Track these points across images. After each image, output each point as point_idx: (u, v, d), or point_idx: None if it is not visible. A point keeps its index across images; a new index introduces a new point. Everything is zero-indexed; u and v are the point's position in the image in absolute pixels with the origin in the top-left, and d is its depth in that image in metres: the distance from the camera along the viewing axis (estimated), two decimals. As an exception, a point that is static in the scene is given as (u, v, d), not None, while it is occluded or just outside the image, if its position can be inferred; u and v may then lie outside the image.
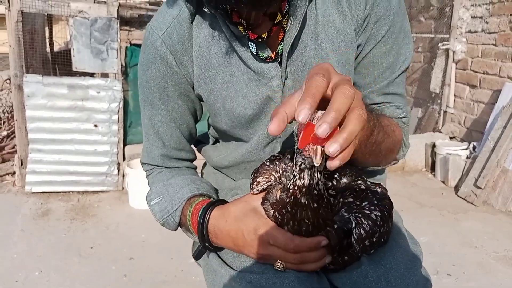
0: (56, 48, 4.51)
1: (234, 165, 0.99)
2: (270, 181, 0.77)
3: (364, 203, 0.72)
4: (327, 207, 0.69)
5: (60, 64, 3.62)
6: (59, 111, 3.30)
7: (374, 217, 0.70)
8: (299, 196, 0.66)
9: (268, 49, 0.82)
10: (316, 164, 0.56)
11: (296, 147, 0.64)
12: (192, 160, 1.05)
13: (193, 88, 0.92)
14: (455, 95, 4.52)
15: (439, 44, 4.52)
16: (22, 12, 3.07)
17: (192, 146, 1.06)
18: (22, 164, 3.43)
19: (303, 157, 0.62)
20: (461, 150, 3.98)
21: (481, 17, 4.19)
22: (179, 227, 0.91)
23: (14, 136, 4.55)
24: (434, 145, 4.25)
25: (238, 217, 0.76)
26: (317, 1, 0.80)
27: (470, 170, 3.73)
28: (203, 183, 0.95)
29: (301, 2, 0.76)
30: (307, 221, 0.68)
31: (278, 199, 0.73)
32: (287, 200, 0.69)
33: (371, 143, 0.75)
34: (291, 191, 0.67)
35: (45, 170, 3.40)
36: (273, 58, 0.82)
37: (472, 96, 4.30)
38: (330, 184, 0.76)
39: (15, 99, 3.27)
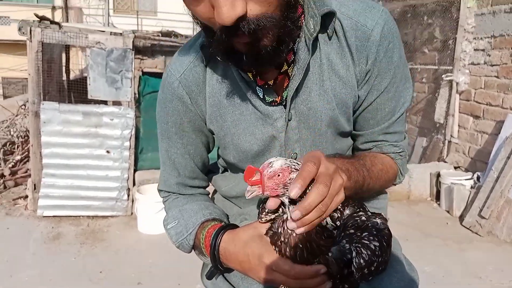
0: (71, 76, 4.68)
1: (241, 196, 1.07)
2: (277, 212, 0.84)
3: (364, 234, 0.79)
4: (320, 233, 0.77)
5: (75, 91, 3.77)
6: (73, 137, 3.42)
7: (373, 247, 0.77)
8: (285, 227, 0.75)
9: (275, 93, 0.91)
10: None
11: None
12: (205, 187, 1.14)
13: (205, 123, 1.01)
14: (459, 125, 4.59)
15: (443, 76, 4.63)
16: (42, 43, 3.23)
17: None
18: (35, 188, 3.52)
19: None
20: (465, 180, 4.03)
21: (483, 50, 4.31)
22: (192, 249, 0.98)
23: (27, 161, 4.68)
24: (438, 175, 4.29)
25: (246, 242, 0.83)
26: (322, 52, 0.89)
27: (474, 200, 3.76)
28: (215, 208, 1.03)
29: (304, 55, 0.85)
30: (301, 246, 0.75)
31: (277, 231, 0.81)
32: (279, 230, 0.77)
33: (362, 191, 0.87)
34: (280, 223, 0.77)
35: (57, 194, 3.49)
36: (278, 102, 0.91)
37: (476, 127, 4.38)
38: (336, 215, 0.83)
39: (32, 125, 3.40)
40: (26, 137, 5.11)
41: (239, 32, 0.70)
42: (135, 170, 3.65)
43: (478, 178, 4.02)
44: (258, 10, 0.69)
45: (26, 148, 4.82)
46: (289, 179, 0.72)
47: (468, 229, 3.69)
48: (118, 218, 3.61)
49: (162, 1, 16.33)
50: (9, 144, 5.08)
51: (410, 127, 5.54)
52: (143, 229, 3.34)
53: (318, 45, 0.87)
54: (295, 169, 0.73)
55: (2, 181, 4.18)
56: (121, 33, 3.31)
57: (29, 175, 4.15)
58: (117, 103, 3.59)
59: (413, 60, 5.42)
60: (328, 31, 0.86)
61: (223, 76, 0.93)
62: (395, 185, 1.03)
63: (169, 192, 1.09)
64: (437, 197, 4.30)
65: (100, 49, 3.25)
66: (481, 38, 4.34)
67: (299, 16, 0.84)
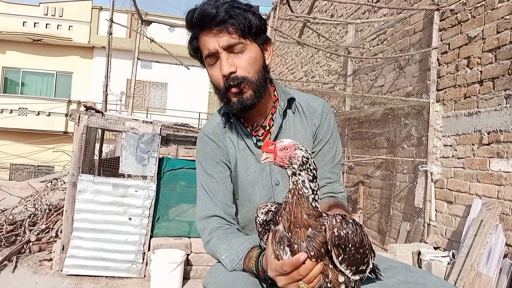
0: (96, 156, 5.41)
1: (245, 225, 1.46)
2: (266, 208, 1.11)
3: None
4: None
5: (104, 169, 4.46)
6: (102, 205, 4.02)
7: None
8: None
9: (263, 142, 1.47)
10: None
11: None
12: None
13: (229, 161, 1.51)
14: (436, 210, 5.20)
15: (419, 167, 5.36)
16: (87, 127, 4.00)
17: None
18: (63, 249, 4.02)
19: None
20: (442, 257, 4.52)
21: (451, 145, 5.10)
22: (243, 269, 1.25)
23: (48, 231, 5.19)
24: (419, 253, 4.79)
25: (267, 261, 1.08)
26: (290, 119, 1.48)
27: (450, 274, 4.23)
28: (251, 238, 1.32)
29: (278, 120, 1.44)
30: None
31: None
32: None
33: None
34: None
35: (82, 255, 3.99)
36: None
37: (450, 211, 4.98)
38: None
39: (69, 193, 4.02)
40: (48, 210, 5.69)
41: (232, 84, 1.27)
42: (151, 236, 4.18)
43: (453, 255, 4.52)
44: (242, 73, 1.27)
45: (49, 219, 5.37)
46: (294, 154, 0.93)
47: (445, 300, 4.10)
48: (132, 279, 4.05)
49: (170, 101, 18.67)
50: (33, 216, 5.63)
51: (395, 213, 6.13)
52: (156, 286, 3.78)
53: (288, 115, 1.48)
54: (299, 148, 0.94)
55: (28, 246, 4.66)
56: (151, 122, 4.11)
57: (53, 242, 4.65)
58: (139, 177, 4.24)
59: (395, 154, 6.22)
60: (292, 108, 1.48)
61: (236, 131, 1.49)
62: None
63: (210, 216, 1.39)
64: (419, 274, 4.74)
65: (134, 133, 4.01)
66: (449, 136, 5.16)
67: (274, 97, 1.45)
